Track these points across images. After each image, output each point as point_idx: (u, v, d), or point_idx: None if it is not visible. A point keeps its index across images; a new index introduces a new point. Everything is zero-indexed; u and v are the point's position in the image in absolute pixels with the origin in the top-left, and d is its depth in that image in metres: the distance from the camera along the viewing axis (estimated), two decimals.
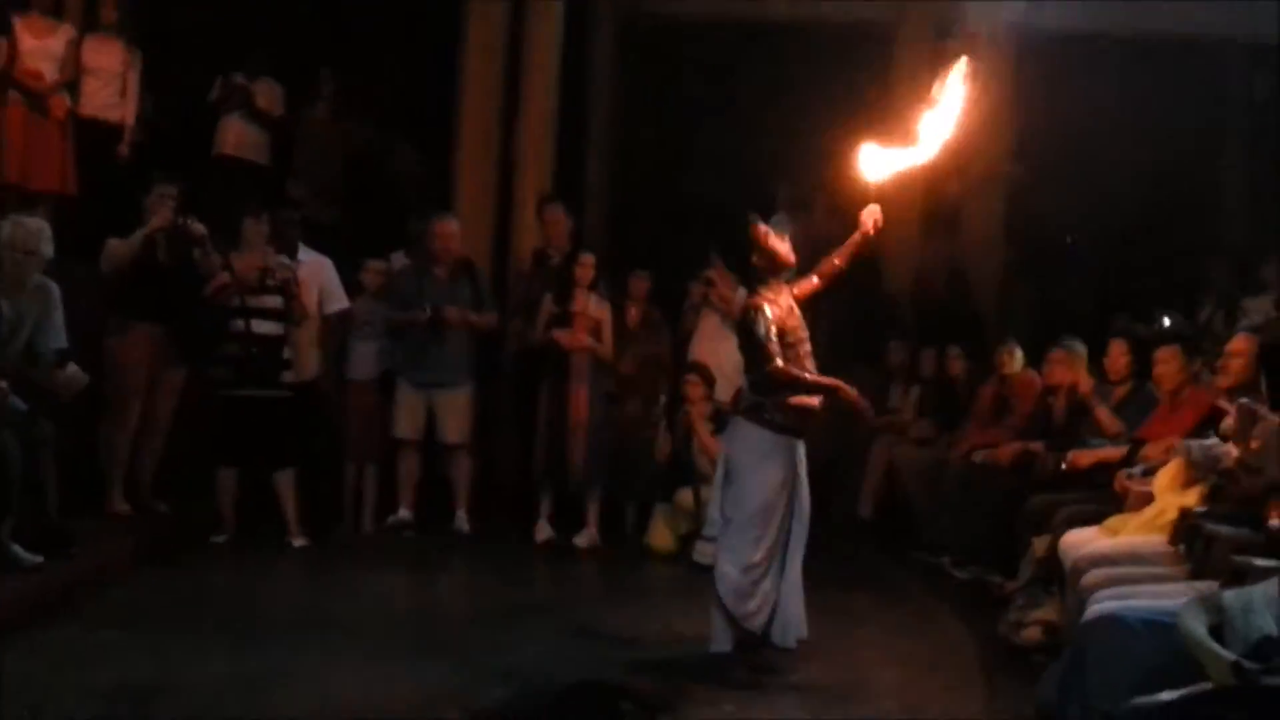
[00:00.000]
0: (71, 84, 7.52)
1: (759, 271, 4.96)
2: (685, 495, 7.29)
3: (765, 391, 4.86)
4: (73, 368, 5.92)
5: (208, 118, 8.88)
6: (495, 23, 8.88)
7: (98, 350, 6.69)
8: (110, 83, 7.72)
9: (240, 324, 6.80)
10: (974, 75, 4.94)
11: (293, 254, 7.19)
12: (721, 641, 4.90)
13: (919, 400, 8.51)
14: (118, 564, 6.16)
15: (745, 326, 4.89)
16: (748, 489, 4.84)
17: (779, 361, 4.76)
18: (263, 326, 6.83)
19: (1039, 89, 9.73)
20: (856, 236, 5.07)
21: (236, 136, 8.84)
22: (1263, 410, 4.37)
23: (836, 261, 5.10)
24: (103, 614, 5.42)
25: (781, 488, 4.87)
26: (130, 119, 7.79)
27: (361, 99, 9.61)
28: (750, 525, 4.85)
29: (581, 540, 7.36)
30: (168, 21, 8.54)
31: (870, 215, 5.02)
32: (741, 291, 5.30)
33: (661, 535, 7.33)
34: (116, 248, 6.74)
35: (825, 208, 7.79)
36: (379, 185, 9.46)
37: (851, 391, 4.85)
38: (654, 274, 8.05)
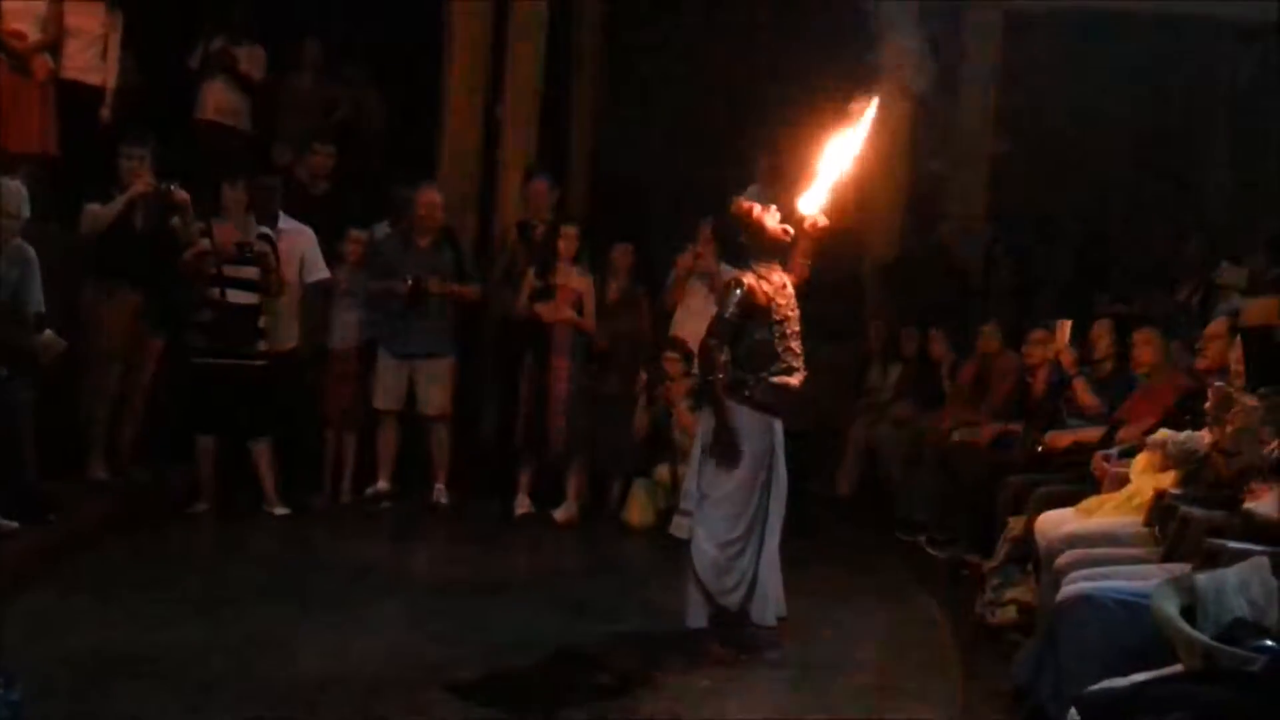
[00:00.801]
0: (53, 46, 7.43)
1: (749, 250, 4.97)
2: (663, 471, 7.31)
3: (746, 369, 4.87)
4: (49, 333, 5.88)
5: (189, 82, 8.80)
6: None
7: (76, 315, 6.65)
8: (92, 45, 7.63)
9: (216, 292, 6.76)
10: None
11: (273, 222, 7.15)
12: (698, 617, 4.92)
13: (899, 379, 8.53)
14: (96, 530, 6.15)
15: (720, 299, 4.92)
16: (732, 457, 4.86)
17: (714, 341, 4.82)
18: (238, 296, 6.80)
19: (1026, 66, 9.72)
20: (804, 243, 5.08)
21: (217, 102, 8.75)
22: (1239, 393, 4.39)
23: (801, 261, 5.11)
24: (80, 580, 5.41)
25: (759, 465, 4.89)
26: (112, 82, 7.70)
27: (347, 66, 9.53)
28: (728, 502, 4.86)
29: (560, 514, 7.36)
30: None
31: (810, 220, 5.04)
32: (726, 268, 5.31)
33: (640, 510, 7.35)
34: (96, 212, 6.68)
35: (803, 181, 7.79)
36: (362, 152, 9.40)
37: (732, 435, 4.82)
38: (637, 247, 8.02)
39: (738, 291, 4.85)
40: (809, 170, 5.03)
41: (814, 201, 5.02)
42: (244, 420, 6.84)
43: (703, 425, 5.05)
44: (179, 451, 7.00)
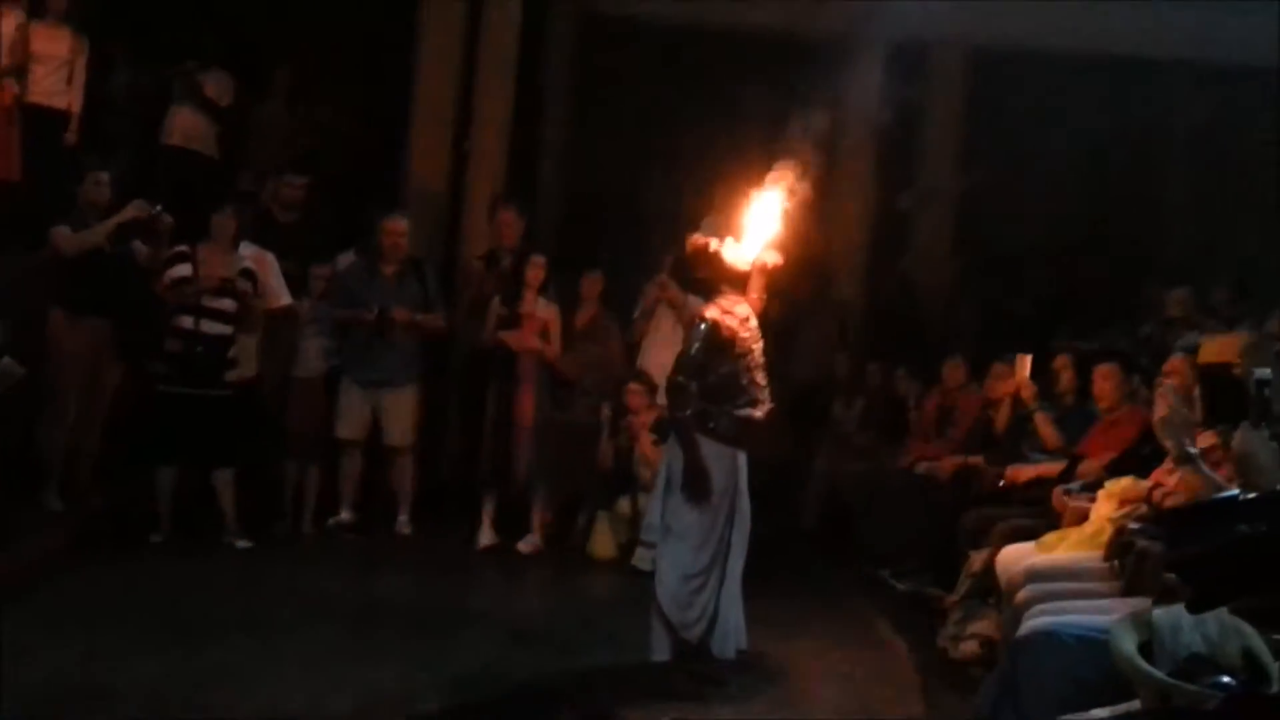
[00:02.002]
0: (19, 70, 7.41)
1: (710, 283, 5.00)
2: (624, 503, 7.29)
3: (712, 402, 4.89)
4: (7, 360, 5.81)
5: (156, 107, 8.77)
6: (452, 22, 8.85)
7: (34, 342, 6.57)
8: (58, 70, 7.62)
9: (189, 322, 6.70)
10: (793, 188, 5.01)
11: (234, 248, 7.11)
12: (660, 650, 4.91)
13: (863, 412, 8.57)
14: (51, 561, 6.06)
15: (686, 334, 4.96)
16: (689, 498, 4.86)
17: (681, 378, 4.85)
18: (212, 327, 6.73)
19: (989, 103, 9.86)
20: (758, 279, 5.12)
21: (184, 127, 8.73)
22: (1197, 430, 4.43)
23: (756, 296, 5.16)
24: (35, 612, 5.31)
25: (722, 497, 4.90)
26: (77, 107, 7.69)
27: (317, 95, 9.53)
28: (691, 534, 4.87)
29: (524, 546, 7.32)
30: (125, 12, 8.46)
31: (765, 258, 5.09)
32: (694, 299, 5.35)
33: (603, 543, 7.32)
34: (74, 236, 6.60)
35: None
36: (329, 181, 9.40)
37: (703, 472, 4.85)
38: (606, 276, 8.03)
39: (702, 327, 4.88)
40: (753, 213, 5.08)
41: (760, 244, 5.07)
42: (209, 450, 6.77)
43: (667, 458, 5.05)
44: (137, 480, 6.92)
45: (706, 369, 4.89)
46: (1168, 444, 4.22)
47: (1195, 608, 2.62)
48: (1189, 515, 2.80)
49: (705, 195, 9.00)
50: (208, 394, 6.69)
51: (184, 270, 6.70)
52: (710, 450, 4.87)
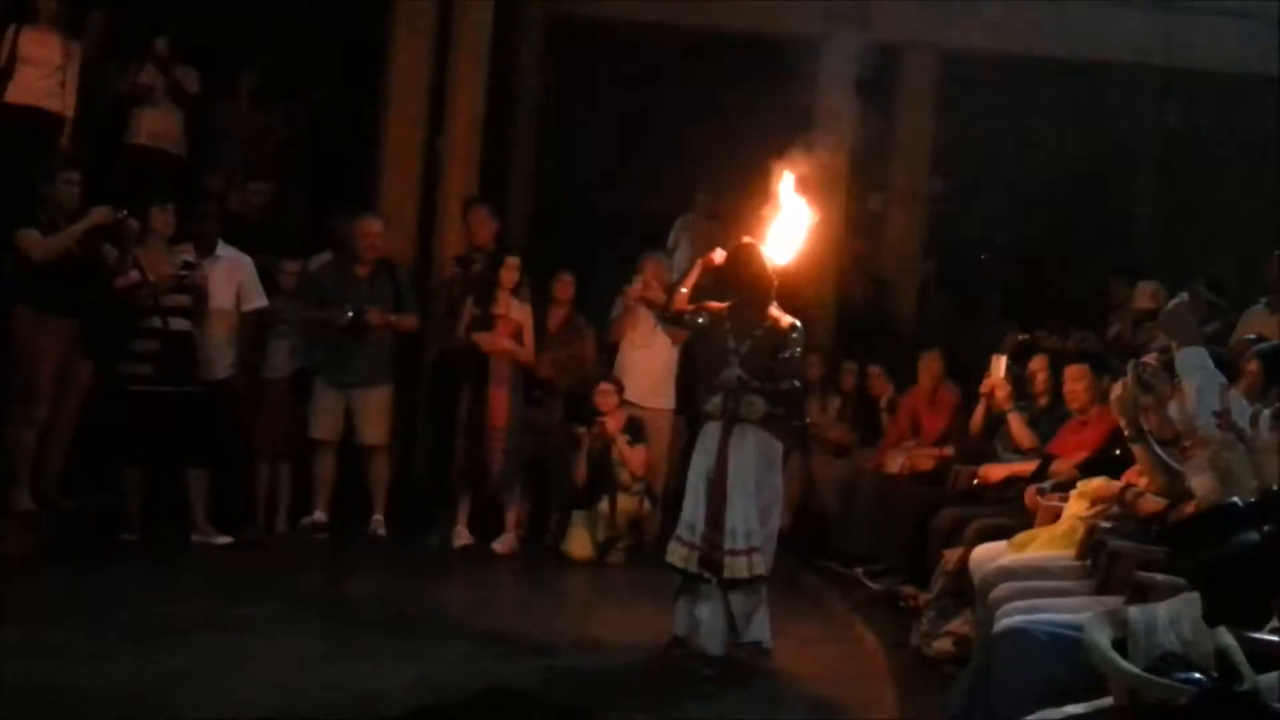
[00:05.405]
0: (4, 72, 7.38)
1: (742, 288, 5.12)
2: (604, 503, 7.29)
3: (780, 404, 5.03)
4: None
5: (120, 107, 8.69)
6: (424, 23, 8.80)
7: (3, 342, 6.51)
8: (50, 74, 7.55)
9: (157, 321, 6.67)
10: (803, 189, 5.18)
11: (211, 249, 7.07)
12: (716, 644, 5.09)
13: (839, 411, 8.60)
14: (21, 562, 6.00)
15: (779, 343, 5.07)
16: (776, 491, 5.16)
17: (799, 384, 5.19)
18: (179, 324, 6.72)
19: (961, 107, 9.91)
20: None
21: (150, 126, 8.64)
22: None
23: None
24: (4, 613, 5.26)
25: None
26: (70, 111, 7.61)
27: (285, 94, 9.47)
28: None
29: (499, 546, 7.31)
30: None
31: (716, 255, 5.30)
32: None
33: (580, 542, 7.32)
34: (47, 244, 6.53)
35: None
36: (302, 178, 9.34)
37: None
38: (578, 278, 8.02)
39: (795, 335, 5.06)
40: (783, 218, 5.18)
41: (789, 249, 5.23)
42: (182, 449, 6.72)
43: (751, 460, 5.08)
44: (107, 481, 6.86)
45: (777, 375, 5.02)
46: (1121, 422, 4.33)
47: (1213, 620, 2.61)
48: (1193, 525, 2.82)
49: (678, 194, 9.05)
50: (181, 391, 6.66)
51: (134, 276, 6.67)
52: (777, 449, 5.15)
